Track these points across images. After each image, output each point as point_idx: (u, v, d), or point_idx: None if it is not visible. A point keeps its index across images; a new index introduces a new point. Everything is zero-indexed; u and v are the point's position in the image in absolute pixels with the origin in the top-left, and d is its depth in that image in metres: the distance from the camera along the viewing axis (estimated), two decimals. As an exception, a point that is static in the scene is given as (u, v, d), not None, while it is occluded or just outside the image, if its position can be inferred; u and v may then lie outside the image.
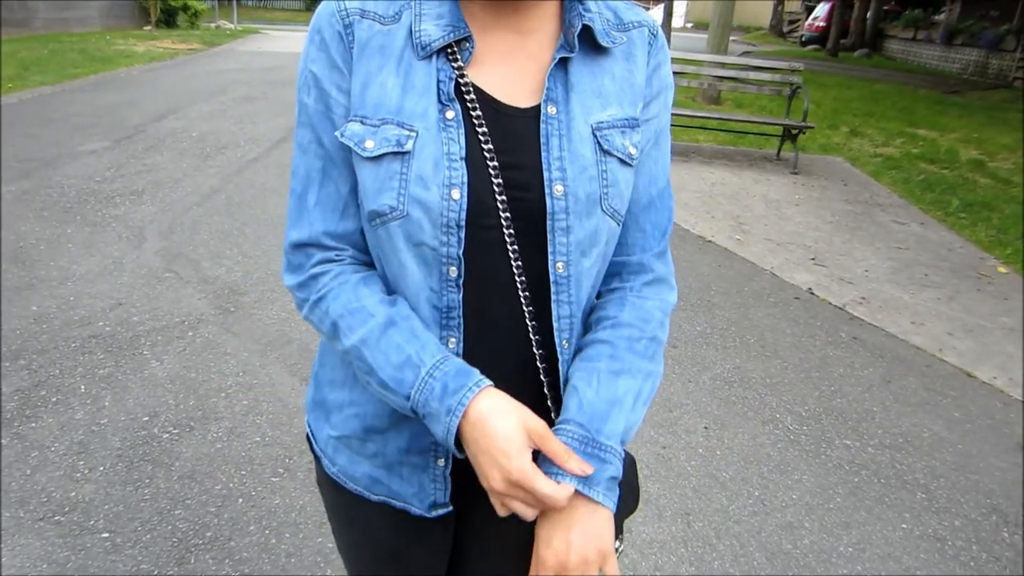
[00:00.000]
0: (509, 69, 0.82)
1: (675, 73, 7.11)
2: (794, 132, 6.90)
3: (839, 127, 9.13)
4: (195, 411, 2.64)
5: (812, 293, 4.16)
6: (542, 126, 0.81)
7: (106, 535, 2.06)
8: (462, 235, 0.78)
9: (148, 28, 17.55)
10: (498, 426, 0.75)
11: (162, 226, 4.38)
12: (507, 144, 0.80)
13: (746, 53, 19.22)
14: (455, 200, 0.77)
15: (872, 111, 10.39)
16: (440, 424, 0.77)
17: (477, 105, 0.79)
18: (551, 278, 0.83)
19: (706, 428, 2.80)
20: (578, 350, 0.89)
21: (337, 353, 0.92)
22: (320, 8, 0.81)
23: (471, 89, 0.79)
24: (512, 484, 0.75)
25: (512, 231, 0.80)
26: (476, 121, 0.79)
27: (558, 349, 0.86)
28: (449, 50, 0.79)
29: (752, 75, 7.22)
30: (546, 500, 0.75)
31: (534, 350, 0.86)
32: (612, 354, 0.86)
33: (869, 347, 3.60)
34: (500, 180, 0.79)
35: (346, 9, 0.79)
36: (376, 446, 0.91)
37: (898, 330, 3.81)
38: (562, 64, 0.82)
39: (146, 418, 2.57)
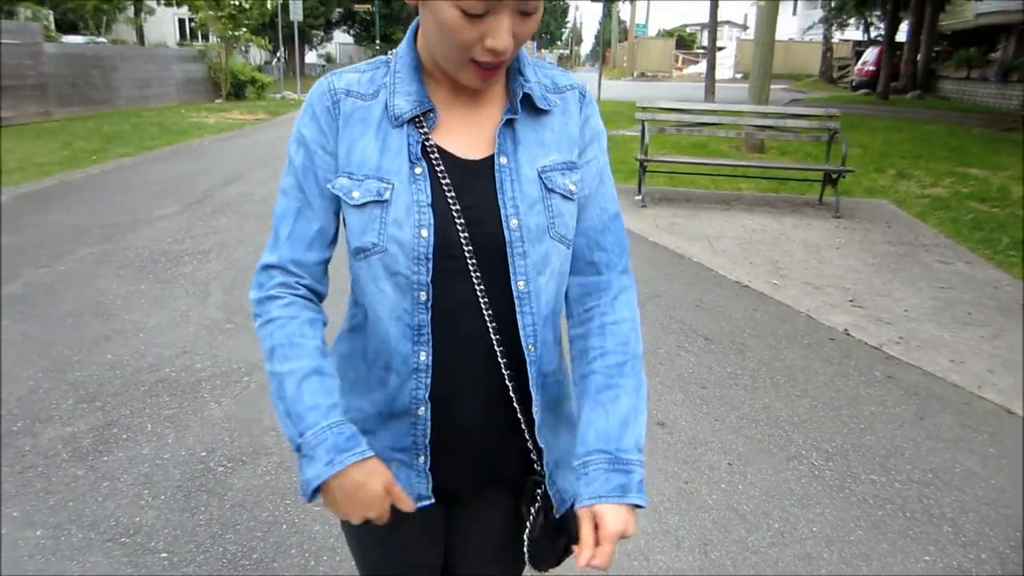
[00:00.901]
0: (466, 130, 1.03)
1: (712, 124, 7.31)
2: (834, 176, 6.96)
3: (886, 170, 9.11)
4: (247, 447, 2.87)
5: (848, 334, 4.21)
6: (496, 174, 1.00)
7: (165, 555, 2.28)
8: (430, 266, 0.98)
9: (219, 101, 18.69)
10: (371, 486, 0.97)
11: (225, 282, 4.73)
12: (467, 190, 1.00)
13: (794, 101, 19.26)
14: (424, 238, 0.97)
15: (921, 152, 10.33)
16: (314, 468, 0.96)
17: (440, 161, 0.99)
18: (515, 294, 1.02)
19: (729, 464, 2.88)
20: (578, 381, 1.08)
21: (341, 372, 1.12)
22: (315, 85, 1.04)
23: (435, 149, 1.00)
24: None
25: (475, 260, 0.99)
26: (440, 174, 0.99)
27: (525, 352, 1.04)
28: (417, 120, 1.00)
29: (789, 123, 7.33)
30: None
31: (499, 358, 1.04)
32: (608, 384, 1.05)
33: (904, 385, 3.62)
34: (463, 220, 0.99)
35: (335, 89, 1.02)
36: (368, 444, 1.09)
37: (936, 368, 3.82)
38: (509, 123, 1.02)
39: (204, 453, 2.82)
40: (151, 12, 23.68)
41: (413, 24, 1.03)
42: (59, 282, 4.69)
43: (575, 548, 0.98)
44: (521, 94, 1.02)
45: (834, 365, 3.80)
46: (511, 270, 1.01)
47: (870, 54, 25.16)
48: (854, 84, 25.90)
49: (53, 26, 21.97)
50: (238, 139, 11.90)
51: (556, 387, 1.14)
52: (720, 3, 14.49)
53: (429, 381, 1.03)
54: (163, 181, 8.06)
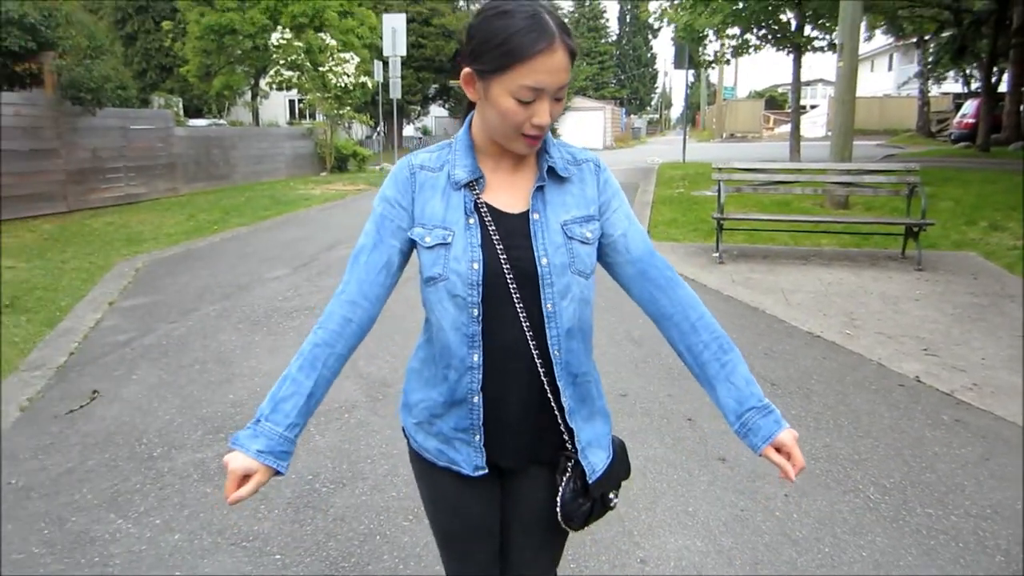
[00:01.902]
0: (507, 192, 1.41)
1: (788, 182, 7.49)
2: (915, 230, 6.99)
3: (977, 222, 8.97)
4: (347, 472, 3.27)
5: (919, 381, 4.29)
6: (531, 225, 1.38)
7: (278, 558, 2.67)
8: (481, 289, 1.35)
9: (324, 173, 20.02)
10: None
11: (328, 333, 5.23)
12: (508, 235, 1.37)
13: (888, 157, 19.00)
14: (475, 269, 1.35)
15: (1016, 204, 10.06)
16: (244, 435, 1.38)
17: (488, 214, 1.37)
18: (544, 313, 1.37)
19: (786, 495, 3.06)
20: (700, 368, 1.43)
21: (414, 372, 1.50)
22: (399, 161, 1.45)
23: (484, 205, 1.38)
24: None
25: (515, 286, 1.36)
26: (488, 223, 1.37)
27: (552, 356, 1.39)
28: (471, 184, 1.38)
29: (867, 178, 7.43)
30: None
31: (535, 360, 1.39)
32: (722, 364, 1.41)
33: (972, 429, 3.69)
34: (505, 256, 1.36)
35: (412, 165, 1.43)
36: (437, 427, 1.46)
37: (1007, 413, 3.85)
38: (540, 188, 1.40)
39: (310, 476, 3.23)
40: (266, 96, 25.71)
41: (468, 116, 1.43)
42: (188, 334, 5.33)
43: (780, 474, 1.37)
44: (547, 167, 1.40)
45: (900, 409, 3.91)
46: (541, 295, 1.37)
47: (969, 106, 24.46)
48: (953, 137, 25.18)
49: (181, 111, 24.20)
50: (340, 208, 12.81)
51: (586, 386, 1.47)
52: (813, 62, 14.69)
53: (480, 376, 1.39)
54: (274, 247, 8.86)
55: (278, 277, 7.15)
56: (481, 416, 1.41)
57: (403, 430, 1.58)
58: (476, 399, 1.40)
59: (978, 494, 3.09)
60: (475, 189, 1.39)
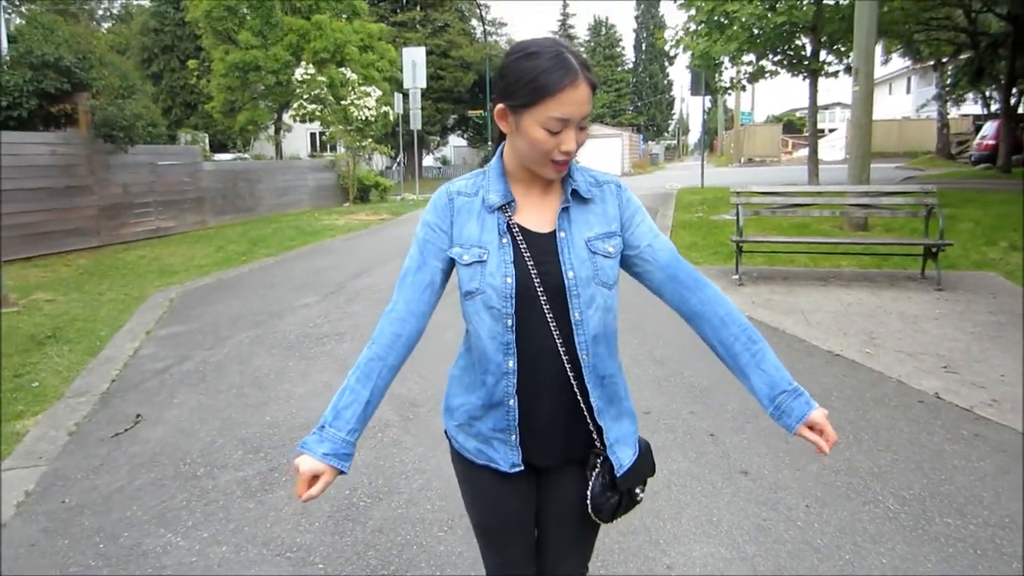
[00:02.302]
0: (536, 213, 1.57)
1: (806, 205, 7.60)
2: (934, 250, 7.07)
3: (997, 242, 9.02)
4: (383, 487, 3.42)
5: (939, 397, 4.36)
6: (558, 243, 1.54)
7: (321, 567, 2.82)
8: (514, 302, 1.50)
9: (347, 204, 20.39)
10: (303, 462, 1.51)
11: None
12: (538, 252, 1.53)
13: (908, 179, 19.02)
14: (508, 284, 1.50)
15: (1037, 224, 10.11)
16: (313, 439, 1.53)
17: (520, 234, 1.53)
18: (572, 321, 1.52)
19: (807, 506, 3.16)
20: (732, 359, 1.56)
21: (455, 379, 1.65)
22: (439, 189, 1.62)
23: (516, 226, 1.54)
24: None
25: (545, 297, 1.51)
26: (520, 242, 1.53)
27: (581, 360, 1.54)
28: (503, 207, 1.55)
29: (884, 200, 7.52)
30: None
31: (564, 364, 1.54)
32: (752, 353, 1.55)
33: (991, 443, 3.76)
34: (536, 271, 1.51)
35: (451, 191, 1.60)
36: (476, 428, 1.61)
37: (1026, 428, 3.93)
38: (565, 209, 1.56)
39: (348, 491, 3.38)
40: (288, 129, 26.27)
41: (500, 146, 1.60)
42: (224, 360, 5.52)
43: (815, 450, 1.51)
44: (571, 190, 1.57)
45: (920, 424, 3.99)
46: (569, 305, 1.52)
47: (989, 128, 24.43)
48: (974, 159, 25.13)
49: (208, 147, 24.79)
50: (364, 237, 13.07)
51: (613, 387, 1.61)
52: (831, 86, 14.83)
53: (515, 381, 1.54)
54: (302, 276, 9.09)
55: (307, 304, 7.36)
56: (517, 417, 1.56)
57: (445, 433, 1.73)
58: (512, 402, 1.55)
59: (996, 504, 3.16)
60: (507, 211, 1.56)
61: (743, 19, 13.25)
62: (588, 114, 1.47)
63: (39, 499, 3.45)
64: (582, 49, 58.24)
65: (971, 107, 33.53)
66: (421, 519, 3.13)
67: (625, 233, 1.59)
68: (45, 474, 3.71)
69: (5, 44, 14.06)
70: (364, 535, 3.02)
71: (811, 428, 1.51)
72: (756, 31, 13.65)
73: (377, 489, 3.41)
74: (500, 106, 1.51)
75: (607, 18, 67.65)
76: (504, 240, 1.53)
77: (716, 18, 14.10)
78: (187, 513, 3.27)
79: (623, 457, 1.60)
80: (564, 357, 1.53)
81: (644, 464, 1.65)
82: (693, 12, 14.73)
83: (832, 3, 14.11)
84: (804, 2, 14.01)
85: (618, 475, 1.58)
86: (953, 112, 32.97)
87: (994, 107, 27.04)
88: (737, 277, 7.61)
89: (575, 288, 1.52)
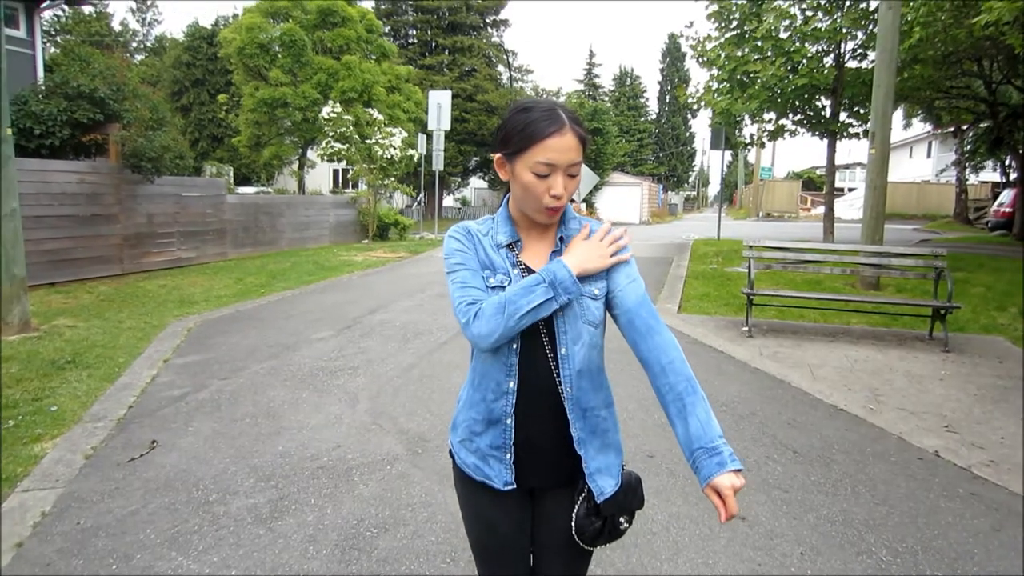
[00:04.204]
0: (536, 255, 1.75)
1: (817, 262, 7.72)
2: (942, 312, 7.15)
3: (1007, 308, 9.06)
4: (389, 519, 3.52)
5: (938, 455, 4.42)
6: None
7: (326, 592, 2.91)
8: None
9: (366, 241, 20.68)
10: (582, 246, 1.68)
11: (371, 392, 5.55)
12: None
13: (923, 241, 19.09)
14: None
15: (1049, 291, 10.15)
16: (562, 270, 1.62)
17: (526, 272, 1.69)
18: (558, 355, 1.67)
19: (802, 554, 3.23)
20: (665, 408, 1.63)
21: (462, 397, 1.79)
22: (454, 227, 1.78)
23: (522, 263, 1.71)
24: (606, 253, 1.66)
25: (544, 331, 1.66)
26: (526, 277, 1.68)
27: (564, 392, 1.68)
28: (510, 245, 1.72)
29: (895, 261, 7.63)
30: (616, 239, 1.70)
31: (559, 393, 1.68)
32: (683, 402, 1.60)
33: (985, 501, 3.82)
34: None
35: (468, 228, 1.76)
36: (475, 443, 1.74)
37: (1022, 489, 3.97)
38: (555, 253, 1.73)
39: (355, 522, 3.48)
40: (313, 166, 26.81)
41: (506, 197, 1.78)
42: (239, 390, 5.66)
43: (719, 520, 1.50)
44: (559, 236, 1.74)
45: (918, 480, 4.05)
46: (556, 340, 1.67)
47: (1006, 196, 24.51)
48: (990, 225, 25.15)
49: (232, 180, 25.30)
50: (382, 274, 13.28)
51: (596, 420, 1.73)
52: (852, 146, 15.00)
53: (514, 401, 1.68)
54: (318, 310, 9.27)
55: (323, 338, 7.52)
56: (512, 436, 1.70)
57: (450, 451, 1.86)
58: (509, 420, 1.69)
59: (987, 561, 3.22)
60: (514, 250, 1.73)
61: (764, 79, 13.51)
62: (577, 163, 1.64)
63: (55, 520, 3.56)
64: (606, 99, 59.17)
65: (990, 174, 33.67)
66: (425, 551, 3.22)
67: (607, 278, 1.73)
68: (62, 496, 3.82)
69: (41, 74, 14.60)
70: (370, 564, 3.12)
71: (716, 492, 1.51)
72: (777, 91, 13.91)
73: (384, 520, 3.51)
74: (498, 156, 1.70)
75: (632, 69, 68.46)
76: (516, 272, 1.70)
77: (738, 77, 14.40)
78: (198, 538, 3.38)
79: (604, 486, 1.71)
80: (559, 387, 1.68)
81: (628, 495, 1.75)
82: (716, 71, 15.04)
83: (853, 67, 14.38)
84: (825, 65, 14.30)
85: (600, 501, 1.70)
86: (972, 178, 33.10)
87: (1012, 175, 27.15)
88: (747, 329, 7.71)
89: (563, 325, 1.67)
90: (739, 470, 1.53)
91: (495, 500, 1.75)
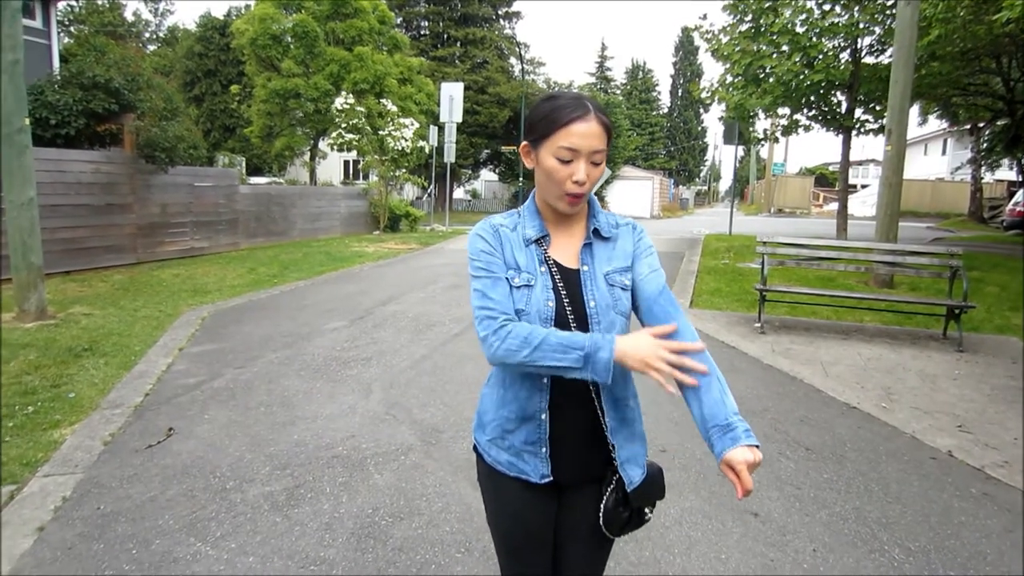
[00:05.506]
0: (565, 249, 1.75)
1: (831, 259, 7.70)
2: (956, 312, 7.12)
3: (1021, 308, 9.02)
4: (404, 508, 3.55)
5: (951, 455, 4.42)
6: (581, 275, 1.71)
7: (343, 580, 2.94)
8: (551, 323, 1.66)
9: (377, 232, 20.74)
10: (640, 337, 1.58)
11: (384, 383, 5.59)
12: (567, 283, 1.70)
13: (937, 240, 19.00)
14: (549, 307, 1.67)
15: (1065, 291, 10.10)
16: (605, 353, 1.55)
17: (555, 267, 1.70)
18: None
19: (815, 550, 3.24)
20: (681, 389, 1.62)
21: (487, 396, 1.80)
22: (479, 224, 1.78)
23: (550, 258, 1.72)
24: (662, 357, 1.54)
25: (575, 323, 1.67)
26: (554, 273, 1.70)
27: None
28: (538, 240, 1.72)
29: (909, 259, 7.61)
30: (688, 347, 1.57)
31: (589, 386, 1.70)
32: (700, 382, 1.60)
33: (999, 502, 3.82)
34: (567, 299, 1.68)
35: (494, 224, 1.77)
36: (509, 441, 1.75)
37: (1036, 490, 3.97)
38: (587, 246, 1.74)
39: (370, 511, 3.52)
40: (324, 157, 26.85)
41: (532, 192, 1.79)
42: (254, 379, 5.71)
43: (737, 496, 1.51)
44: (592, 228, 1.75)
45: (931, 480, 4.05)
46: (591, 330, 1.68)
47: (1022, 195, 24.37)
48: (1005, 224, 24.99)
49: (244, 170, 25.38)
50: (393, 265, 13.32)
51: (625, 410, 1.76)
52: (866, 142, 14.89)
53: (548, 396, 1.70)
54: (331, 300, 9.31)
55: (336, 329, 7.56)
56: (547, 431, 1.71)
57: (475, 448, 1.87)
58: (544, 416, 1.71)
59: (999, 561, 3.23)
60: (543, 245, 1.74)
61: (779, 74, 13.43)
62: (601, 150, 1.65)
63: (76, 505, 3.61)
64: (618, 92, 58.97)
65: (1006, 172, 33.40)
66: (440, 540, 3.26)
67: (632, 264, 1.75)
68: (81, 481, 3.88)
69: (57, 64, 14.69)
70: (385, 553, 3.15)
71: (730, 467, 1.52)
72: (792, 86, 13.82)
73: (399, 509, 3.55)
74: (524, 143, 1.73)
75: (644, 63, 68.27)
76: (543, 270, 1.71)
77: (753, 71, 14.32)
78: (216, 524, 3.42)
79: (633, 475, 1.74)
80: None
81: (654, 485, 1.78)
82: (729, 65, 14.97)
83: (870, 63, 14.28)
84: (842, 61, 14.20)
85: (629, 490, 1.72)
86: (988, 176, 32.86)
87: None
88: (759, 325, 7.71)
89: (596, 316, 1.68)
90: (755, 445, 1.53)
91: (528, 494, 1.77)
